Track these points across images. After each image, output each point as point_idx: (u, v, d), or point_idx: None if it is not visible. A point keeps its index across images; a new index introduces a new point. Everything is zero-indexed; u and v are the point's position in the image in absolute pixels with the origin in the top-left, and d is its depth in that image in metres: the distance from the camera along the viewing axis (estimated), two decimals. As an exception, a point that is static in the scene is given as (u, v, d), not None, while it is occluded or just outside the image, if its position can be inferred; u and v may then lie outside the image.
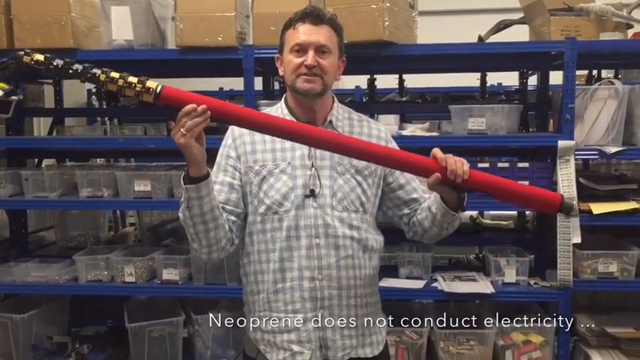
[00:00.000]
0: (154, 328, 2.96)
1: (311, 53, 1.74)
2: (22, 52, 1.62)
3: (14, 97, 1.72)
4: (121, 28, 3.00)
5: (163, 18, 3.09)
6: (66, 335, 3.26)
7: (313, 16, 1.77)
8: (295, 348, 1.78)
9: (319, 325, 1.78)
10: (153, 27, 3.01)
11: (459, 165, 1.64)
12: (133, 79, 1.61)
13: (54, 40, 2.88)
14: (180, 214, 1.75)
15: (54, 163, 3.95)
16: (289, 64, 1.77)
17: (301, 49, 1.75)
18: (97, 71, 1.60)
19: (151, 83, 1.62)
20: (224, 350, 3.01)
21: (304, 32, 1.75)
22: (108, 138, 3.67)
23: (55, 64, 1.61)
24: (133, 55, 3.00)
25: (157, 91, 1.60)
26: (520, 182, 2.83)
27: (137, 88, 1.59)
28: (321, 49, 1.75)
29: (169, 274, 2.96)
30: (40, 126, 5.22)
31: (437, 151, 1.68)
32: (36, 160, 3.88)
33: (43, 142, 3.81)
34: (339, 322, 1.80)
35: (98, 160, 4.40)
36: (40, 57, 1.61)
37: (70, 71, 1.60)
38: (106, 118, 4.78)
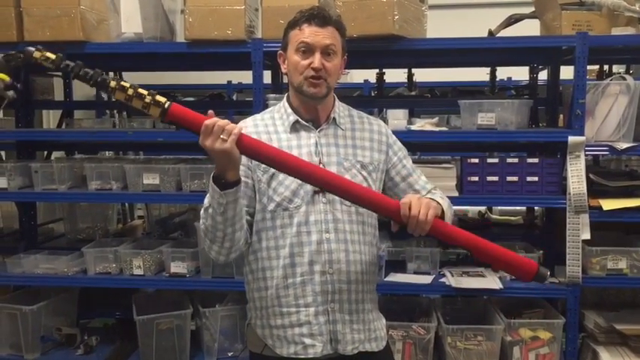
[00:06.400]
0: (162, 320, 2.97)
1: (317, 56, 1.74)
2: (33, 48, 1.61)
3: (9, 93, 1.69)
4: (130, 21, 3.00)
5: (172, 11, 3.09)
6: (75, 327, 3.28)
7: (319, 18, 1.76)
8: (307, 341, 1.79)
9: (330, 318, 1.80)
10: (162, 20, 3.00)
11: (420, 224, 1.63)
12: (143, 91, 1.61)
13: (63, 32, 2.88)
14: (207, 221, 1.71)
15: (63, 156, 3.97)
16: (296, 64, 1.77)
17: (307, 49, 1.75)
18: (108, 78, 1.61)
19: (161, 97, 1.62)
20: (231, 343, 3.02)
21: (310, 33, 1.75)
22: (117, 131, 3.68)
23: (66, 64, 1.61)
24: (141, 48, 3.01)
25: (165, 107, 1.61)
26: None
27: (147, 100, 1.61)
28: (327, 51, 1.76)
29: (177, 267, 2.97)
30: (50, 118, 5.25)
31: (404, 204, 1.64)
32: (45, 152, 3.90)
33: (53, 134, 3.82)
34: (348, 315, 1.81)
35: (107, 152, 4.42)
36: (51, 55, 1.62)
37: (81, 73, 1.61)
38: (115, 111, 4.79)
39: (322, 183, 1.67)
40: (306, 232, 1.77)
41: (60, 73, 4.01)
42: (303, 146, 1.81)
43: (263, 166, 1.78)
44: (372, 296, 1.91)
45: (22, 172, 3.12)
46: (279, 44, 1.86)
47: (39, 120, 4.92)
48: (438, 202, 1.77)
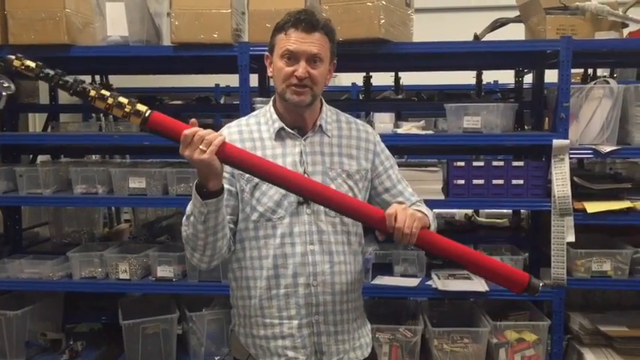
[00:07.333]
0: (149, 325, 2.95)
1: (302, 64, 1.69)
2: (14, 57, 1.60)
3: (9, 86, 1.71)
4: (116, 25, 2.99)
5: (158, 14, 3.07)
6: (60, 332, 3.25)
7: (306, 23, 1.69)
8: (290, 354, 1.77)
9: (314, 330, 1.77)
10: (148, 23, 2.99)
11: (405, 237, 1.62)
12: (123, 100, 1.59)
13: (48, 35, 2.85)
14: (188, 229, 1.69)
15: (48, 160, 3.93)
16: (280, 71, 1.72)
17: (292, 57, 1.70)
18: (88, 86, 1.60)
19: (141, 106, 1.60)
20: (218, 347, 3.01)
21: (296, 40, 1.69)
22: (103, 134, 3.66)
23: (45, 72, 1.60)
24: (127, 52, 2.99)
25: (146, 115, 1.59)
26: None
27: (127, 109, 1.59)
28: (312, 59, 1.70)
29: (164, 271, 2.95)
30: (35, 122, 5.20)
31: (389, 215, 1.63)
32: (30, 156, 3.87)
33: (38, 138, 3.79)
34: (332, 327, 1.79)
35: (93, 156, 4.38)
36: (30, 63, 1.60)
37: (61, 82, 1.60)
38: (101, 115, 4.76)
39: (306, 192, 1.64)
40: (290, 243, 1.74)
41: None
42: (287, 155, 1.77)
43: (247, 175, 1.75)
44: (358, 304, 1.88)
45: (7, 176, 3.09)
46: (266, 48, 1.83)
47: (24, 123, 4.87)
48: (425, 214, 1.76)
